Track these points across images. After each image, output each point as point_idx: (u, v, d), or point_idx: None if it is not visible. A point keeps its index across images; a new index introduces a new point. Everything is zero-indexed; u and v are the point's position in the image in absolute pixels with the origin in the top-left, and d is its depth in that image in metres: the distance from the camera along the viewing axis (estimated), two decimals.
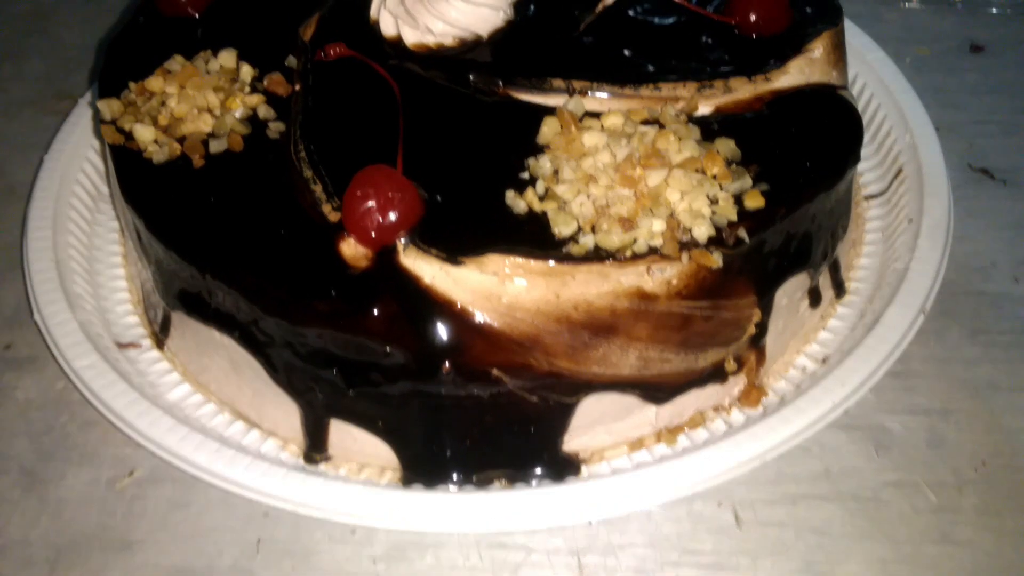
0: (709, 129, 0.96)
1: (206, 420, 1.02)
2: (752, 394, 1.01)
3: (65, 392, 1.08)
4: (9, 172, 1.36)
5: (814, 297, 1.06)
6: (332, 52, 1.02)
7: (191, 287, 0.96)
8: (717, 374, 0.98)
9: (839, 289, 1.11)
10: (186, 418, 1.00)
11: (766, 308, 0.97)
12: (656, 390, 0.96)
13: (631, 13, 1.12)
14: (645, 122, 0.97)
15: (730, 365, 0.98)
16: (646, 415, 0.98)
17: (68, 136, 1.28)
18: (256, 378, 0.97)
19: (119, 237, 1.22)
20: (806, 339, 1.07)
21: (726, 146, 0.94)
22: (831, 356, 1.03)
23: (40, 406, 1.08)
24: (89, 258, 1.18)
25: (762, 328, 0.98)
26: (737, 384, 1.01)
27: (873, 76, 1.30)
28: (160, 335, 1.09)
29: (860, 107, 1.23)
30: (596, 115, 0.97)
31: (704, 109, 1.01)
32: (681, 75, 1.03)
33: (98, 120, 1.04)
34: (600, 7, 1.13)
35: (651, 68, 1.04)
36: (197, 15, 1.16)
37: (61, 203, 1.19)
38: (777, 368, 1.05)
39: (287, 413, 0.98)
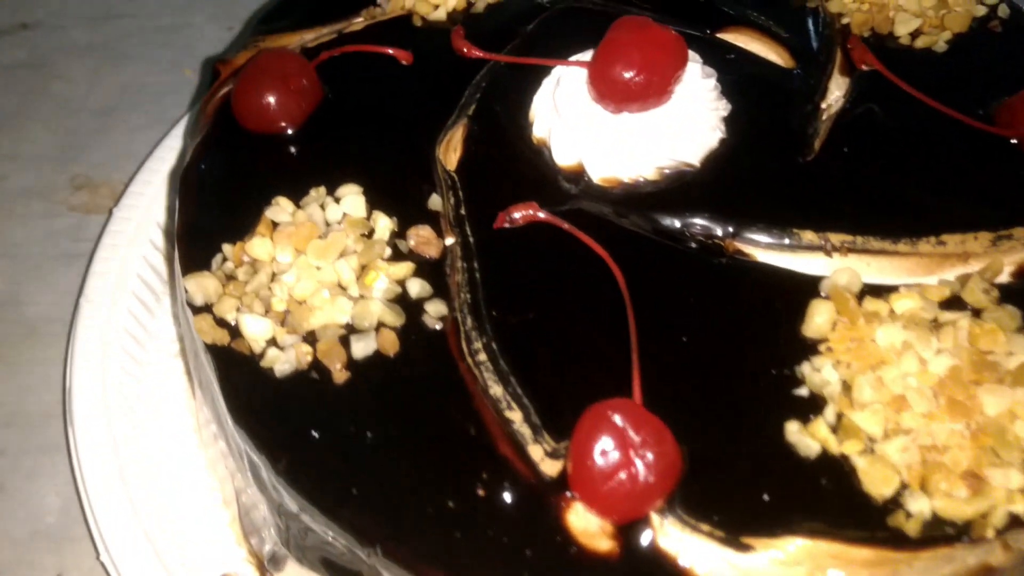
0: None
1: None
2: None
3: None
4: (26, 302, 1.05)
5: None
6: (521, 217, 0.73)
7: (340, 558, 0.69)
8: None
9: None
10: None
11: None
12: None
13: (867, 123, 0.85)
14: (944, 303, 0.71)
15: None
16: None
17: (111, 255, 1.00)
18: None
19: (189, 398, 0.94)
20: None
21: None
22: None
23: None
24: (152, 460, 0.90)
25: None
26: None
27: None
28: (269, 567, 0.82)
29: None
30: (874, 288, 0.72)
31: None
32: (967, 221, 0.77)
33: (185, 303, 0.75)
34: (824, 117, 0.86)
35: (924, 209, 0.78)
36: (290, 131, 0.86)
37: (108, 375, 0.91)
38: None
39: None
